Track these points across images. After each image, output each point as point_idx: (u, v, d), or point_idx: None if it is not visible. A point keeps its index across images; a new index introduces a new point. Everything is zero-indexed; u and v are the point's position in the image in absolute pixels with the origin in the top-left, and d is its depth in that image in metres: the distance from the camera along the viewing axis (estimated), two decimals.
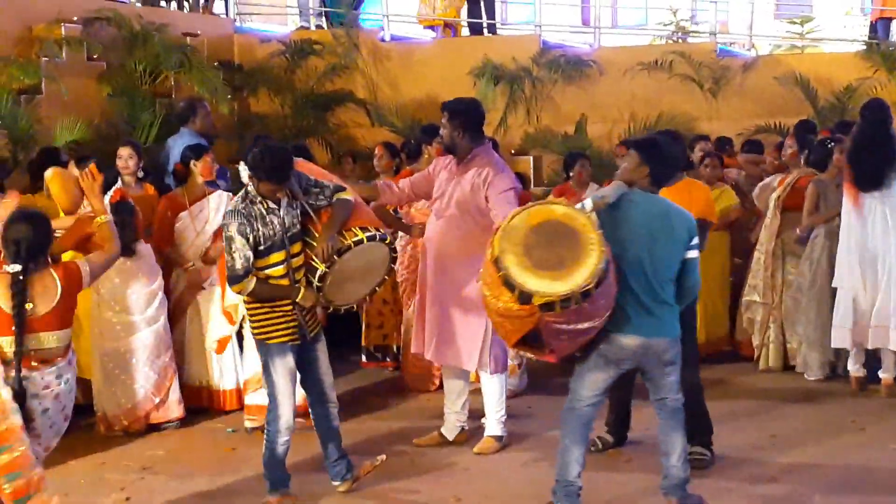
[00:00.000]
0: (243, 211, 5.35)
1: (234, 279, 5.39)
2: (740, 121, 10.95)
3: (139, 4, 11.22)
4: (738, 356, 8.71)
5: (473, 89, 11.06)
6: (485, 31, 12.88)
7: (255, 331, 5.59)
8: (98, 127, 9.31)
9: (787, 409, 7.41)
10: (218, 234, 7.11)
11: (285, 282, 5.46)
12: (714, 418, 6.28)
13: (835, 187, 7.79)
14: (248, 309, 5.60)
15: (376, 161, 8.74)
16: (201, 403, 7.50)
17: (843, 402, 7.45)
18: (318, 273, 5.47)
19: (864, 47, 11.61)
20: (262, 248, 5.37)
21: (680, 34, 12.88)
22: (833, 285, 7.64)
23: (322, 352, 5.77)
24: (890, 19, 12.05)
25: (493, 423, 6.53)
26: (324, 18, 13.25)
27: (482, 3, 12.81)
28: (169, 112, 9.68)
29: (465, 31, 13.26)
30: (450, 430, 6.63)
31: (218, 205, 7.40)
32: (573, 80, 11.62)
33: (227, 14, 12.56)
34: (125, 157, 7.56)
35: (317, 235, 5.52)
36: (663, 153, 5.43)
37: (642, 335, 5.19)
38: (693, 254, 5.25)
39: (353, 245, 5.53)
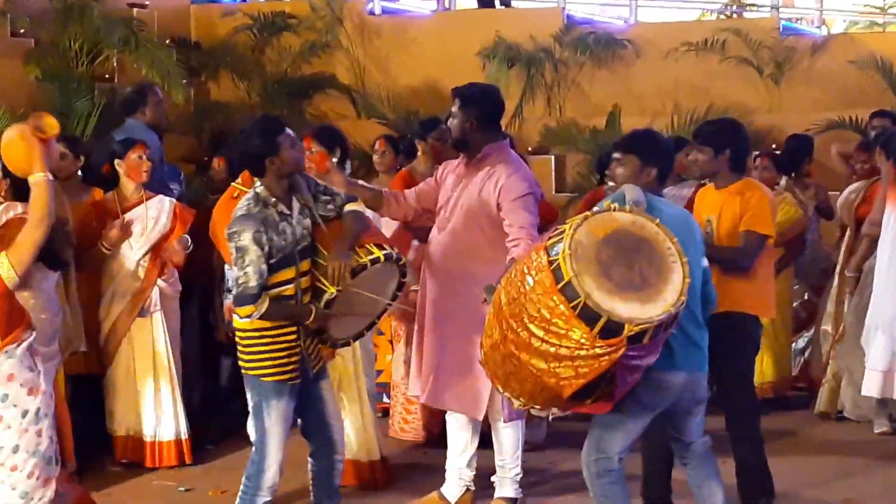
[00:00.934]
0: (259, 215, 5.34)
1: (245, 299, 5.34)
2: (808, 113, 10.89)
3: None
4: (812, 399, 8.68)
5: (482, 73, 11.09)
6: (496, 2, 12.99)
7: (249, 365, 5.53)
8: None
9: (863, 466, 7.36)
10: (157, 250, 7.13)
11: (294, 303, 5.48)
12: (777, 476, 6.25)
13: None
14: (240, 338, 5.54)
15: (377, 158, 8.66)
16: (130, 457, 7.36)
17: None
18: (326, 297, 5.47)
19: None
20: (273, 261, 5.36)
21: (735, 8, 13.03)
22: (868, 318, 7.45)
23: (328, 391, 5.77)
24: None
25: (507, 483, 6.43)
26: None
27: None
28: (111, 100, 9.61)
29: (473, 3, 13.53)
30: (452, 490, 6.51)
31: (158, 213, 7.25)
32: (604, 63, 11.71)
33: None
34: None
35: (325, 252, 5.54)
36: (663, 145, 5.54)
37: (687, 370, 5.23)
38: (706, 262, 5.37)
39: (369, 264, 5.52)
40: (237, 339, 5.58)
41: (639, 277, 4.77)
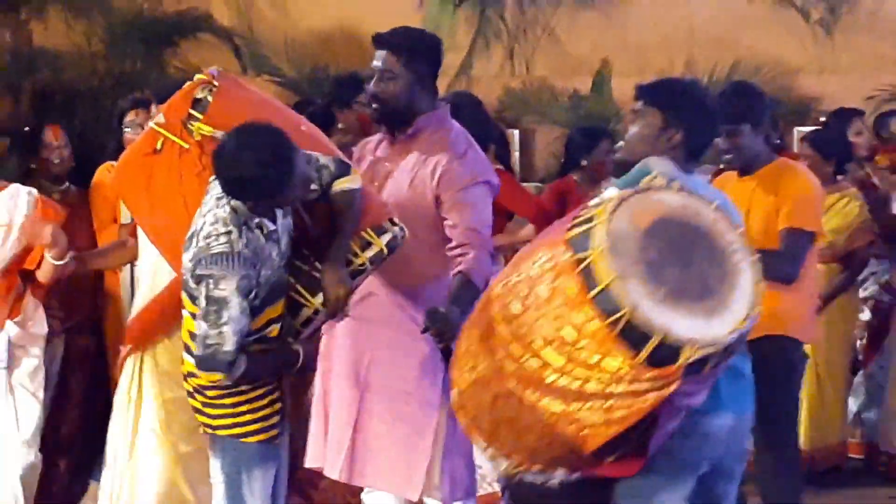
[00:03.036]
0: (248, 252, 5.06)
1: (215, 364, 5.07)
2: (870, 76, 10.72)
3: None
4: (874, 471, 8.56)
5: (417, 14, 10.85)
6: None
7: (219, 423, 5.33)
8: None
9: None
10: (10, 272, 6.53)
11: (277, 339, 5.38)
12: None
13: None
14: (200, 389, 5.34)
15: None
16: None
17: None
18: (306, 314, 5.33)
19: None
20: (257, 302, 5.16)
21: None
22: None
23: (284, 455, 5.61)
24: None
25: None
26: None
27: None
28: None
29: None
30: None
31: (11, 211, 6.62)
32: (589, 2, 11.31)
33: None
34: None
35: (305, 251, 5.37)
36: (701, 103, 5.15)
37: (734, 410, 5.00)
38: None
39: (369, 266, 5.36)
40: (194, 392, 5.38)
41: (699, 283, 4.39)
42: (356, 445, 5.89)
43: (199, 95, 5.49)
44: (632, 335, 4.22)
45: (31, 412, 6.66)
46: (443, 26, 10.44)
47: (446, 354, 5.03)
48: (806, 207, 6.14)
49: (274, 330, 5.31)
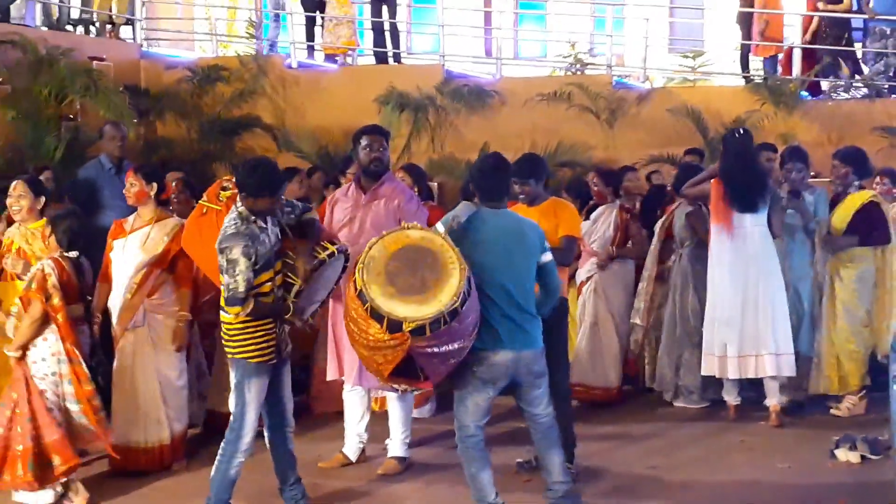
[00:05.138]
0: (246, 232, 5.29)
1: (235, 301, 5.27)
2: (635, 150, 10.94)
3: (45, 28, 11.10)
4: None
5: (378, 116, 10.98)
6: (390, 59, 12.90)
7: (235, 350, 5.47)
8: (2, 149, 9.18)
9: (679, 431, 7.37)
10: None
11: (270, 299, 5.44)
12: (608, 438, 6.50)
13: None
14: (227, 330, 5.47)
15: (173, 197, 7.67)
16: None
17: (733, 426, 7.41)
18: (295, 289, 5.47)
19: (746, 82, 11.92)
20: (257, 267, 5.32)
21: (578, 66, 12.79)
22: (706, 311, 7.50)
23: (287, 374, 5.73)
24: (776, 56, 12.33)
25: (397, 445, 6.47)
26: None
27: (387, 33, 12.83)
28: (75, 136, 9.64)
29: (371, 60, 13.37)
30: (352, 451, 6.57)
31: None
32: (476, 109, 11.63)
33: (134, 39, 12.55)
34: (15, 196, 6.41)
35: (291, 253, 5.53)
36: (486, 169, 5.49)
37: (513, 349, 5.19)
38: (547, 257, 5.33)
39: (326, 259, 5.55)
40: (224, 331, 5.51)
41: (419, 283, 4.80)
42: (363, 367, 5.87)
43: (225, 185, 5.80)
44: (376, 315, 4.72)
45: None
46: (393, 124, 10.56)
47: None
48: (573, 223, 6.21)
49: (266, 287, 5.39)
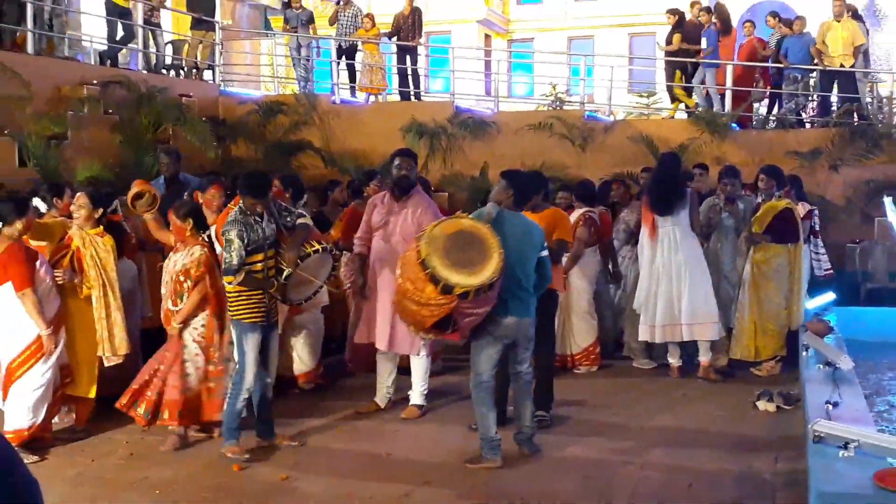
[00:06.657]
0: (241, 220, 5.25)
1: (230, 271, 5.22)
2: (602, 169, 10.82)
3: (145, 72, 11.30)
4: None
5: (402, 141, 10.89)
6: (412, 97, 12.88)
7: (233, 312, 5.39)
8: (111, 167, 9.18)
9: (632, 386, 7.25)
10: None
11: (261, 276, 5.35)
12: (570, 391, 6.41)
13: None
14: (230, 296, 5.39)
15: (338, 193, 8.46)
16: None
17: (678, 382, 7.33)
18: (285, 273, 5.37)
19: (688, 115, 11.68)
20: (249, 248, 5.25)
21: (558, 103, 12.70)
22: (638, 292, 7.52)
23: (275, 339, 5.60)
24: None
25: (417, 395, 6.38)
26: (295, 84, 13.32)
27: (409, 77, 12.87)
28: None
29: (397, 97, 13.25)
30: (382, 399, 6.48)
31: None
32: (478, 136, 11.50)
33: (213, 80, 12.67)
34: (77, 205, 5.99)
35: (285, 246, 5.43)
36: (522, 181, 5.43)
37: (517, 316, 5.19)
38: (544, 253, 5.31)
39: (311, 253, 5.45)
40: (228, 297, 5.42)
41: (468, 259, 4.79)
42: (394, 330, 6.07)
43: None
44: (435, 280, 4.71)
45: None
46: (414, 148, 9.77)
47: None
48: (566, 229, 6.20)
49: (258, 266, 5.29)
